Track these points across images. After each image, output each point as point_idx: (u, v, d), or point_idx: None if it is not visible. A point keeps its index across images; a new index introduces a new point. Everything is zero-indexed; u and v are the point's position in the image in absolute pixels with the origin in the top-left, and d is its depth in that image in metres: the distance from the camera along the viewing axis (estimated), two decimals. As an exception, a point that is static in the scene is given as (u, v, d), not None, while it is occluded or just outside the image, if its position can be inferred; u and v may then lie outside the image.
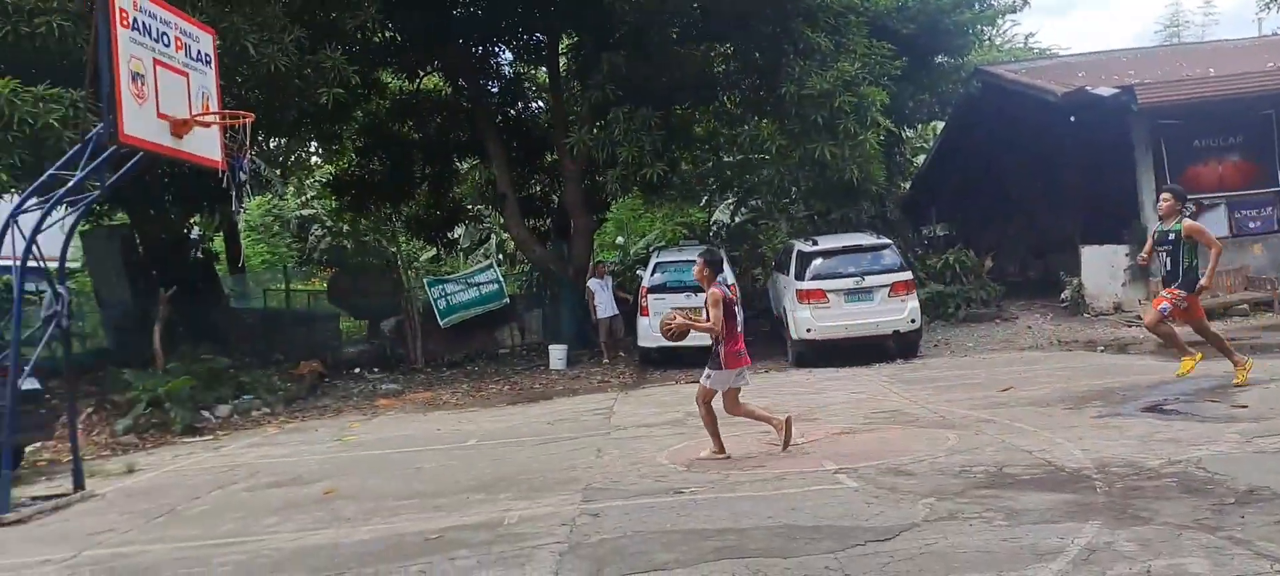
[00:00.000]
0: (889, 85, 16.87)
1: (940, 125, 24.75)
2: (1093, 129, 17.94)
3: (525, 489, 7.52)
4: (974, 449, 7.67)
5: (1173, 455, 6.77)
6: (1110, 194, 17.96)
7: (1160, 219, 9.60)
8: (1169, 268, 9.54)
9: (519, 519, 6.52)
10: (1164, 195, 9.62)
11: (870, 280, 14.69)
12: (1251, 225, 16.77)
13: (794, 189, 21.09)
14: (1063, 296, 17.71)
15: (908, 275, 14.95)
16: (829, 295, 14.60)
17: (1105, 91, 16.29)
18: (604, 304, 16.99)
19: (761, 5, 16.24)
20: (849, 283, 14.65)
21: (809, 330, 14.61)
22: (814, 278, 14.86)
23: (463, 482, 8.03)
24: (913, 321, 14.61)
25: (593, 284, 17.20)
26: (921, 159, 26.57)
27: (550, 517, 6.47)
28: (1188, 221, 9.44)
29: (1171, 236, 9.39)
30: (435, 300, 18.83)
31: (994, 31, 30.47)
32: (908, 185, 24.55)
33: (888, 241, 15.72)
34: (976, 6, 19.33)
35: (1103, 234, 17.60)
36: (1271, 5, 29.49)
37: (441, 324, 18.74)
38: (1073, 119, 17.90)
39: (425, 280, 20.38)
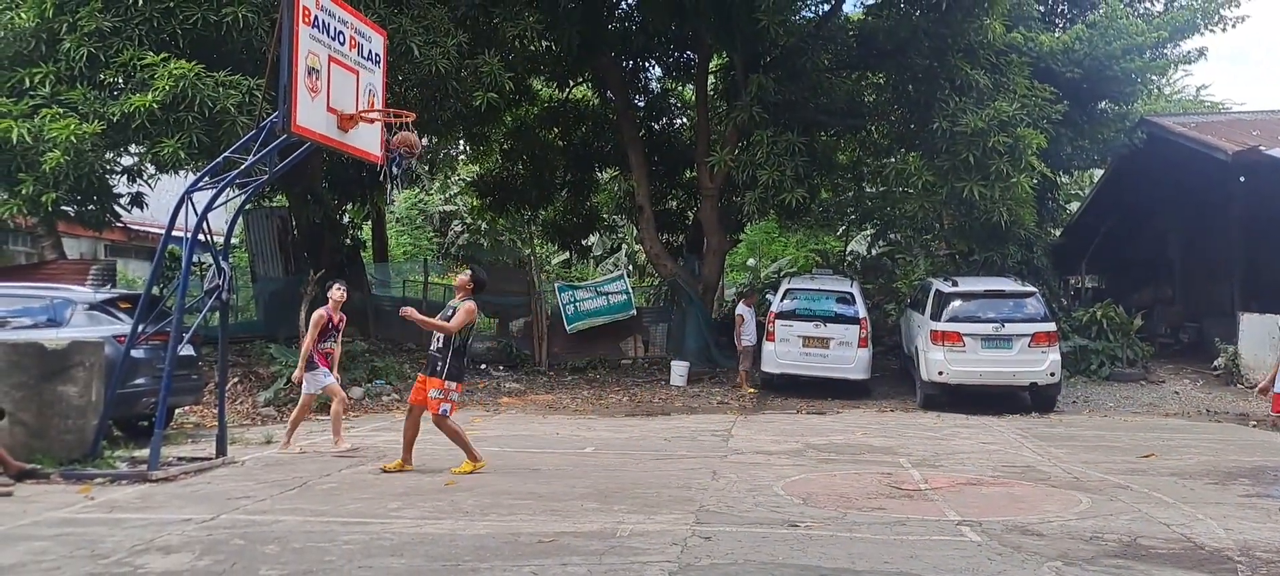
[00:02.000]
0: (1047, 128, 16.32)
1: (1098, 174, 23.73)
2: (1263, 191, 16.89)
3: (640, 503, 7.58)
4: (1107, 515, 7.33)
5: (1335, 548, 6.33)
6: (1275, 261, 16.86)
7: None
8: None
9: (631, 532, 6.58)
10: None
11: (1010, 327, 14.21)
12: None
13: (937, 226, 20.61)
14: (1216, 364, 16.71)
15: (1051, 326, 14.39)
16: (965, 338, 14.20)
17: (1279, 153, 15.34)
18: (750, 332, 16.80)
19: (920, 38, 15.96)
20: (988, 328, 14.22)
21: (941, 372, 14.23)
22: (950, 319, 14.47)
23: (578, 489, 8.14)
24: (1052, 375, 14.05)
25: (742, 310, 17.05)
26: (1075, 206, 25.51)
27: (663, 535, 6.50)
28: None
29: None
30: (564, 305, 19.15)
31: (1164, 81, 29.07)
32: (1059, 233, 23.61)
33: (1032, 289, 15.17)
34: (1147, 55, 18.46)
35: (1263, 302, 16.52)
36: None
37: (568, 329, 19.05)
38: (1242, 179, 16.89)
39: (556, 284, 20.76)
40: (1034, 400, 14.38)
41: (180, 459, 9.27)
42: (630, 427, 12.57)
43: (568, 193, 22.76)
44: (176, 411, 11.88)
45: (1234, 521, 7.07)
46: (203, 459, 9.33)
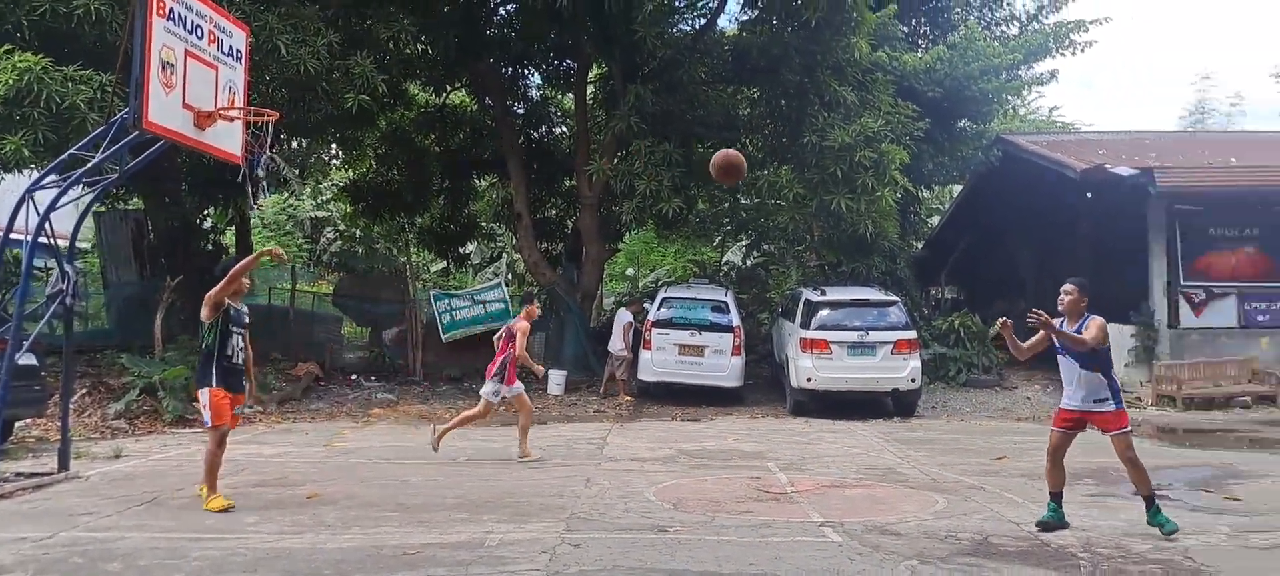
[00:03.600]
0: (910, 145, 16.96)
1: (958, 189, 24.79)
2: (1109, 207, 17.94)
3: (510, 512, 7.51)
4: (962, 515, 7.63)
5: (1162, 541, 6.73)
6: (1121, 274, 17.92)
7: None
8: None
9: (500, 542, 6.51)
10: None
11: (874, 335, 14.69)
12: (1260, 317, 16.68)
13: (808, 237, 21.13)
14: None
15: (912, 334, 14.95)
16: (832, 346, 14.61)
17: (1124, 171, 16.30)
18: (628, 340, 16.76)
19: (791, 55, 16.35)
20: (853, 336, 14.67)
21: (809, 379, 14.59)
22: (819, 327, 14.88)
23: (448, 500, 8.01)
24: (913, 381, 14.59)
25: (625, 315, 17.04)
26: (936, 220, 26.59)
27: (532, 543, 6.45)
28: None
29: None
30: (440, 314, 18.85)
31: (1019, 102, 30.58)
32: (921, 245, 24.56)
33: (895, 299, 15.73)
34: (1003, 76, 19.40)
35: (1110, 313, 17.45)
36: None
37: (444, 338, 18.75)
38: (1089, 195, 17.91)
39: (432, 293, 20.42)
40: (896, 405, 14.89)
41: (18, 474, 8.71)
42: (505, 437, 12.41)
43: (445, 199, 22.42)
44: (17, 425, 11.17)
45: (1079, 519, 7.45)
46: (43, 474, 8.80)
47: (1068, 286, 7.23)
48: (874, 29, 17.31)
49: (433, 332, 18.87)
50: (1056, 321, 6.98)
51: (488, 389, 10.22)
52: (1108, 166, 16.54)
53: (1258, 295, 16.79)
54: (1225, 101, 35.28)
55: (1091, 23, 19.62)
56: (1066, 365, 7.12)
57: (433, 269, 28.28)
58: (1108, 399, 7.02)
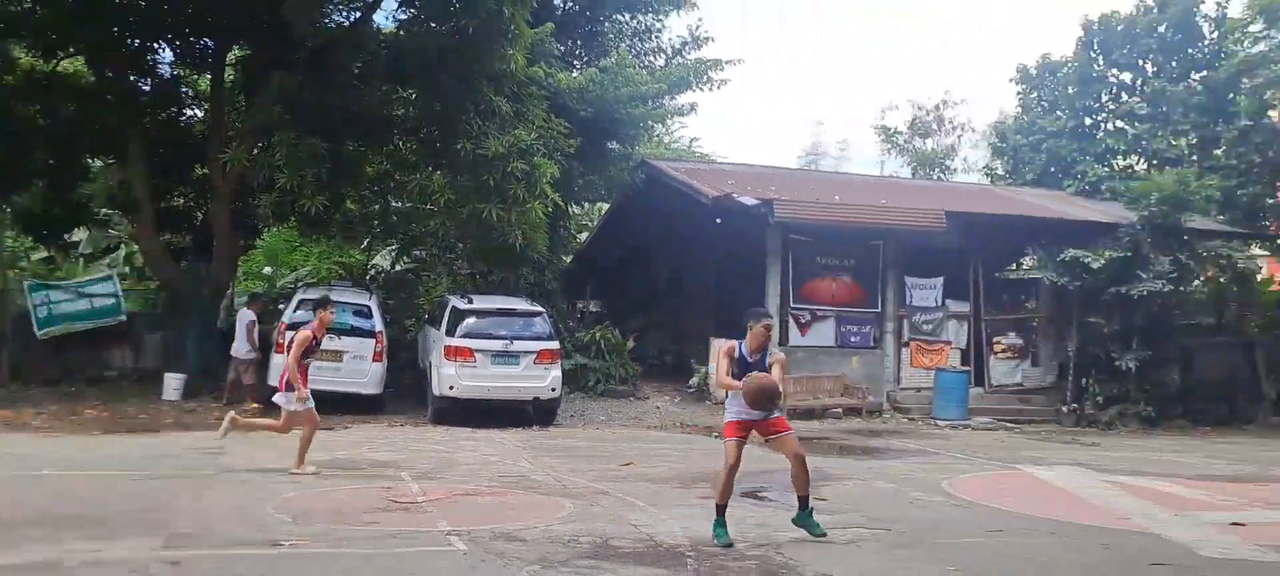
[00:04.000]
0: (561, 160, 17.38)
1: (606, 207, 25.85)
2: (735, 233, 19.53)
3: (100, 529, 6.74)
4: (587, 520, 7.92)
5: (759, 538, 7.38)
6: (743, 293, 19.56)
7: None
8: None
9: (80, 563, 5.82)
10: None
11: (518, 345, 14.89)
12: (852, 339, 18.94)
13: (460, 245, 21.05)
14: (691, 382, 18.97)
15: (555, 344, 15.33)
16: (476, 354, 14.62)
17: (749, 200, 17.82)
18: (253, 343, 15.67)
19: (447, 59, 16.21)
20: (498, 345, 14.77)
21: (451, 387, 14.50)
22: (464, 335, 14.83)
23: (23, 515, 7.05)
24: (553, 390, 14.97)
25: (247, 315, 15.89)
26: (585, 236, 27.56)
27: (120, 564, 5.83)
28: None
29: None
30: (36, 307, 16.65)
31: (664, 130, 32.53)
32: (570, 259, 25.32)
33: (541, 310, 16.07)
34: (650, 104, 20.51)
35: (733, 329, 19.05)
36: (891, 150, 34.05)
37: (38, 334, 16.59)
38: (719, 221, 19.39)
39: (26, 283, 17.98)
40: (537, 414, 15.19)
41: None
42: (108, 446, 11.20)
43: (48, 181, 19.77)
44: None
45: (691, 520, 7.99)
46: None
47: (770, 320, 7.84)
48: (531, 44, 17.59)
49: (26, 328, 16.62)
50: (738, 344, 7.58)
51: (281, 398, 9.95)
52: (735, 195, 17.99)
53: (851, 319, 19.04)
54: (835, 145, 39.76)
55: (727, 63, 21.28)
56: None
57: (35, 257, 24.90)
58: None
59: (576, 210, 25.17)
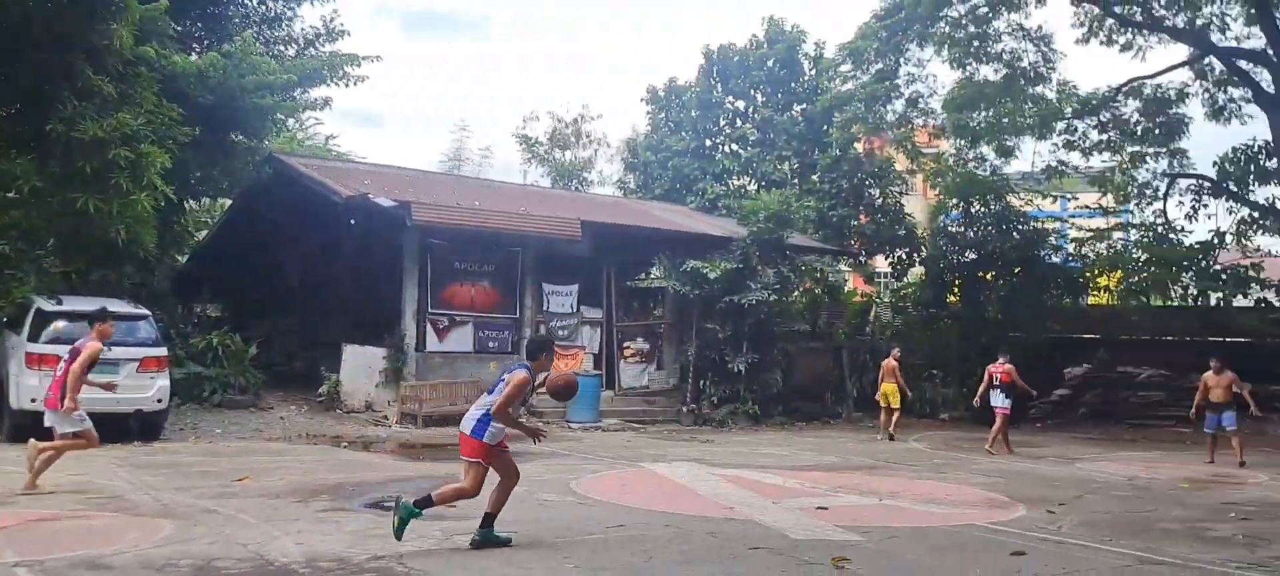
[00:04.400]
0: (175, 150, 15.86)
1: (228, 203, 24.05)
2: (371, 235, 18.95)
3: None
4: (188, 541, 7.23)
5: (379, 550, 7.12)
6: (378, 298, 19.03)
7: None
8: None
9: None
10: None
11: (118, 351, 13.29)
12: (491, 344, 19.08)
13: (51, 240, 18.53)
14: (320, 391, 18.14)
15: (162, 351, 13.98)
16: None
17: (385, 201, 17.36)
18: None
19: (36, 27, 14.23)
20: (93, 351, 13.15)
21: (34, 399, 12.68)
22: (51, 341, 13.09)
23: None
24: (159, 401, 13.63)
25: None
26: (205, 234, 25.44)
27: None
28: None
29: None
30: None
31: (297, 124, 30.88)
32: (185, 258, 23.25)
33: (145, 313, 14.56)
34: (279, 95, 19.31)
35: (367, 335, 18.51)
36: (532, 160, 34.79)
37: None
38: (353, 222, 18.72)
39: None
40: (140, 428, 13.72)
41: None
42: None
43: None
44: None
45: (308, 536, 7.54)
46: None
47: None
48: (141, 20, 15.92)
49: None
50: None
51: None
52: (371, 196, 17.45)
53: (490, 324, 19.16)
54: (478, 152, 39.92)
55: (365, 59, 20.57)
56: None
57: None
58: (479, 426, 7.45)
59: (194, 206, 23.17)
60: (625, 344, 21.19)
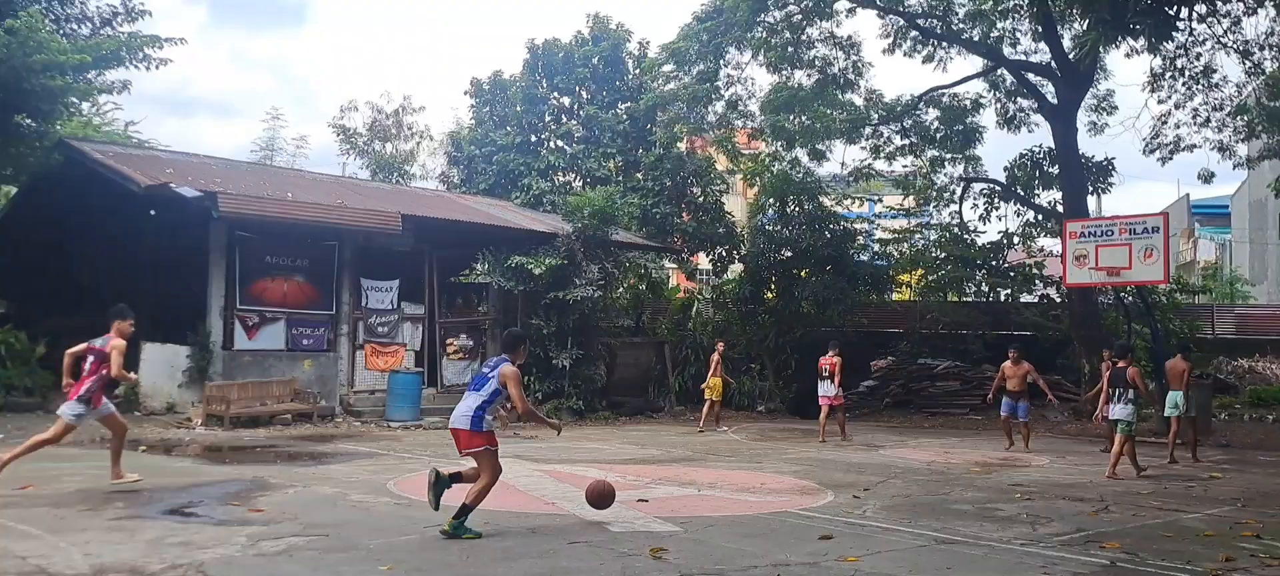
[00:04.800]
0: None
1: (14, 192, 22.17)
2: (173, 227, 17.90)
3: None
4: (-41, 558, 6.62)
5: (178, 558, 6.74)
6: (182, 294, 18.00)
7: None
8: None
9: None
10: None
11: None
12: (305, 342, 18.36)
13: None
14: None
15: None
16: None
17: (189, 191, 16.42)
18: None
19: None
20: None
21: None
22: None
23: None
24: (-73, 407, 12.42)
25: None
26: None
27: None
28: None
29: None
30: None
31: (93, 109, 28.80)
32: (-40, 251, 21.26)
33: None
34: (71, 76, 17.94)
35: (170, 333, 17.48)
36: (351, 151, 33.73)
37: None
38: (153, 213, 17.63)
39: None
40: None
41: None
42: None
43: None
44: None
45: (97, 546, 7.06)
46: None
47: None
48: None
49: None
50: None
51: (69, 410, 9.60)
52: (173, 186, 16.48)
53: (303, 321, 18.45)
54: (292, 142, 38.27)
55: (168, 41, 19.39)
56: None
57: None
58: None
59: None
60: (448, 340, 20.87)
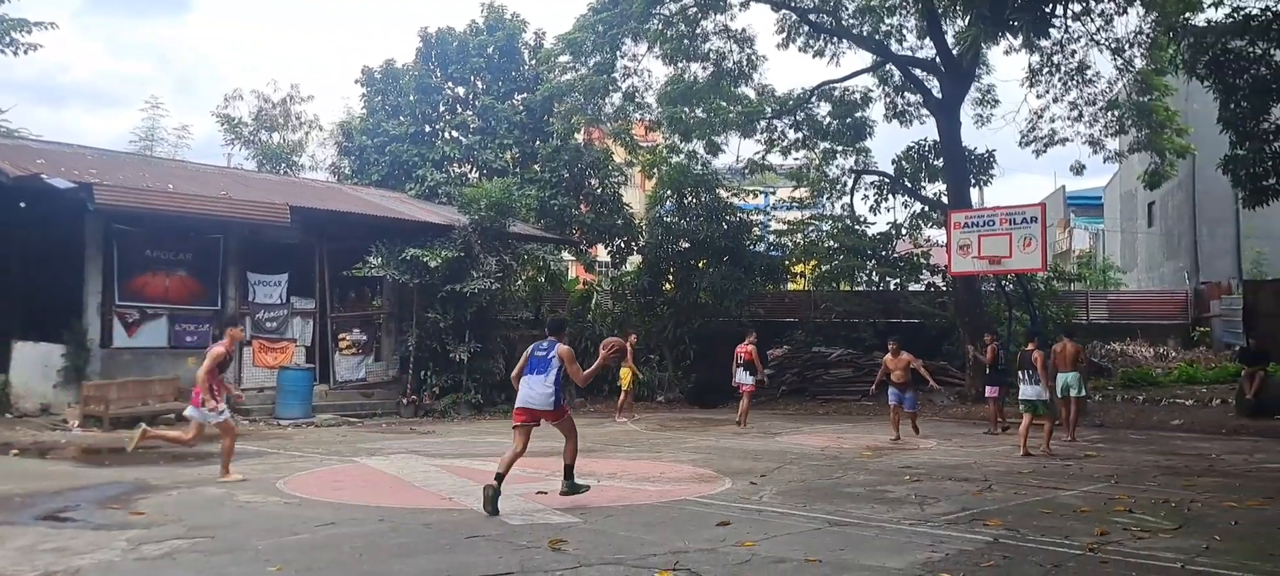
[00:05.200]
0: None
1: None
2: (46, 221, 17.02)
3: None
4: None
5: (52, 565, 6.43)
6: (56, 290, 17.14)
7: None
8: None
9: None
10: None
11: None
12: (189, 338, 17.67)
13: None
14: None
15: None
16: None
17: (62, 183, 15.61)
18: None
19: None
20: None
21: None
22: None
23: None
24: None
25: None
26: None
27: None
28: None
29: None
30: None
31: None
32: None
33: None
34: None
35: (44, 331, 16.64)
36: (236, 142, 32.62)
37: None
38: (23, 205, 16.71)
39: None
40: None
41: None
42: None
43: None
44: None
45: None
46: None
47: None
48: None
49: None
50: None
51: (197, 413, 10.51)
52: (44, 177, 15.65)
53: (187, 317, 17.78)
54: (174, 132, 36.67)
55: (37, 25, 18.45)
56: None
57: None
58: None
59: None
60: (341, 335, 20.38)
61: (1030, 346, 14.18)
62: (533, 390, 9.07)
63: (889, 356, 16.60)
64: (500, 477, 8.65)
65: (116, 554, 6.87)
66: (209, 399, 10.49)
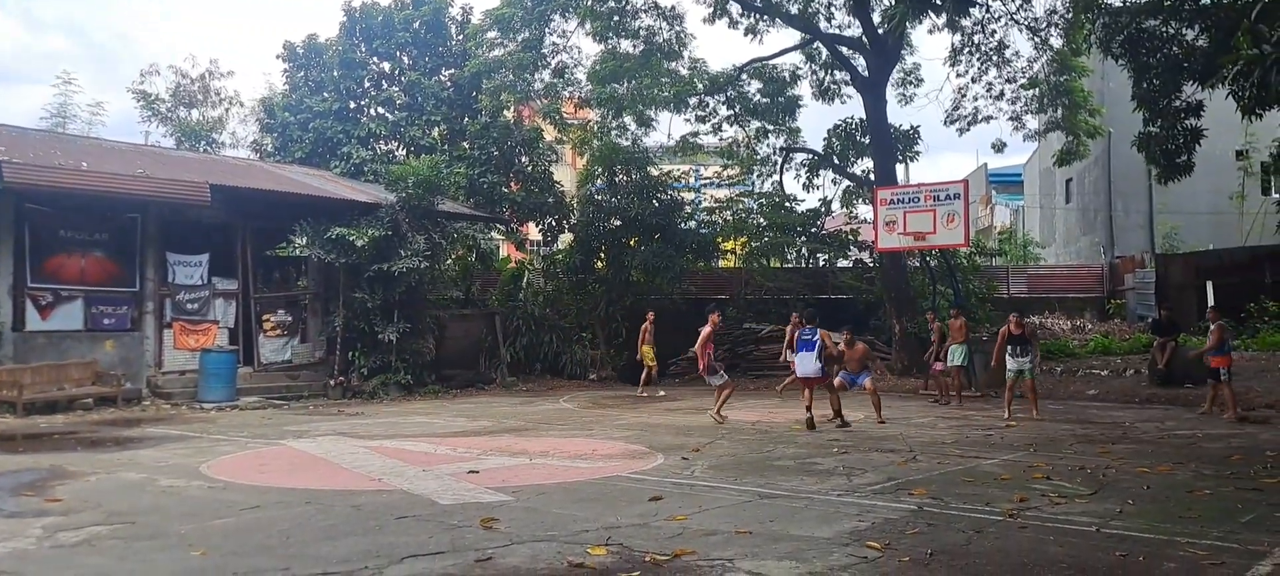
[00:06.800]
0: None
1: None
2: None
3: None
4: None
5: (-34, 559, 6.20)
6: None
7: None
8: None
9: None
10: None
11: None
12: (106, 321, 17.16)
13: None
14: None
15: None
16: None
17: (-33, 162, 15.02)
18: None
19: None
20: None
21: None
22: None
23: None
24: None
25: None
26: None
27: None
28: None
29: None
30: None
31: None
32: None
33: None
34: None
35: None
36: (153, 119, 31.61)
37: None
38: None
39: None
40: None
41: None
42: None
43: None
44: None
45: None
46: None
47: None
48: None
49: None
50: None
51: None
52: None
53: (104, 299, 17.24)
54: (87, 109, 35.37)
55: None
56: None
57: None
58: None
59: None
60: (265, 316, 19.96)
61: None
62: (806, 364, 13.36)
63: (845, 347, 16.86)
64: (809, 411, 13.11)
65: (30, 542, 6.65)
66: (702, 364, 14.86)
